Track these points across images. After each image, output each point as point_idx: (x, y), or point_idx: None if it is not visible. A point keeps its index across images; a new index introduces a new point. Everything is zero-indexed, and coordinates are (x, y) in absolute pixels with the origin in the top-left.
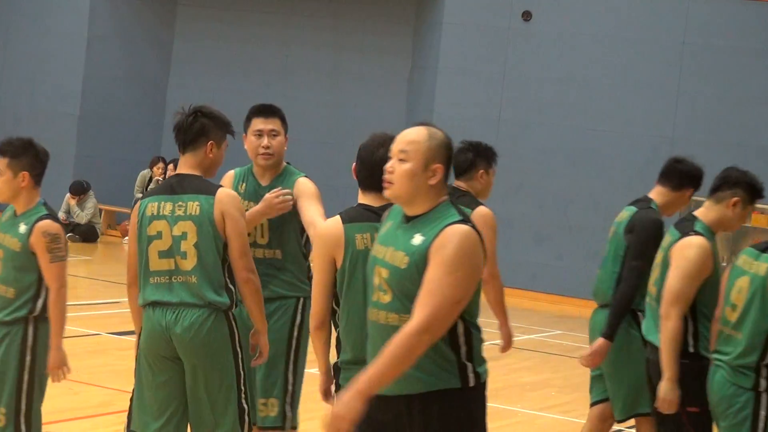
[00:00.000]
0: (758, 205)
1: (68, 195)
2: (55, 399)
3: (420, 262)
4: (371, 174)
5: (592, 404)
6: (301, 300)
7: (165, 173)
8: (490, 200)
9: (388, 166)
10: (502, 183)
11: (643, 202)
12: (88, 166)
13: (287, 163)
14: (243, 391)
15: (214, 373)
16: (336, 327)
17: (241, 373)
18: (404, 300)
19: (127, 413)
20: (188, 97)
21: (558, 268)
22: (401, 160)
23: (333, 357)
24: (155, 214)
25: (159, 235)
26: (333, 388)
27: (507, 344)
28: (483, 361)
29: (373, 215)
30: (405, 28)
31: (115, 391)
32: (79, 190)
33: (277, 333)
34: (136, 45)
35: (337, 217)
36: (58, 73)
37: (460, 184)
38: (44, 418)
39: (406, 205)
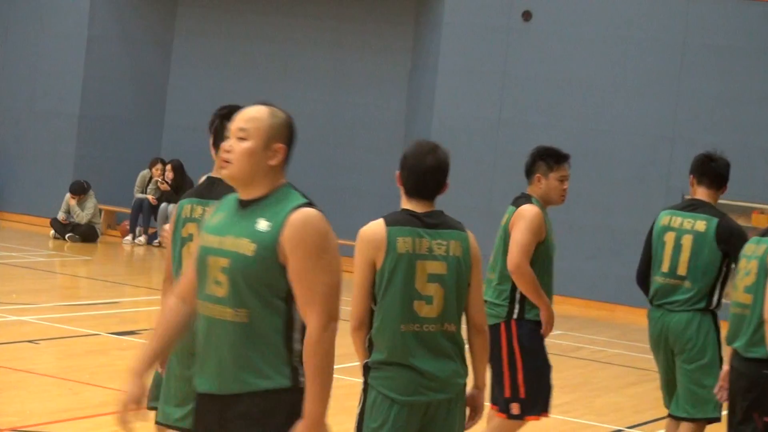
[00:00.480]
0: (758, 205)
1: (68, 195)
2: (55, 399)
3: (269, 248)
4: (420, 181)
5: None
6: None
7: (164, 174)
8: (490, 199)
9: (226, 144)
10: (502, 183)
11: (712, 208)
12: (88, 166)
13: None
14: None
15: None
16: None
17: None
18: (244, 290)
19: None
20: (188, 97)
21: (558, 268)
22: (240, 139)
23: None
24: (188, 216)
25: (190, 238)
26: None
27: (546, 329)
28: None
29: (417, 221)
30: (405, 28)
31: (115, 391)
32: (79, 190)
33: None
34: (137, 44)
35: (381, 220)
36: (58, 73)
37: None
38: (44, 418)
39: (244, 187)
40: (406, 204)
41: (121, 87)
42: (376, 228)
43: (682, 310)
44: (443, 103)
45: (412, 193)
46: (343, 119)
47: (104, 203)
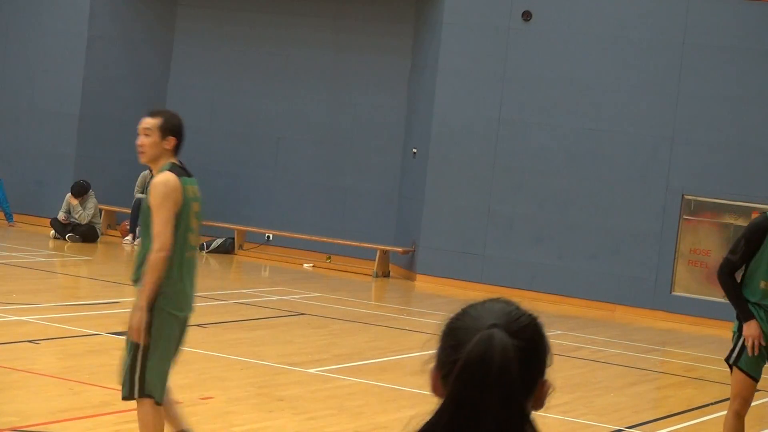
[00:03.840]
0: (758, 205)
1: (69, 195)
2: (55, 399)
3: None
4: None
5: None
6: None
7: None
8: (490, 199)
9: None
10: (502, 183)
11: None
12: (88, 166)
13: None
14: None
15: None
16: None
17: None
18: None
19: None
20: (188, 97)
21: (558, 268)
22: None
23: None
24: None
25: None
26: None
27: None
28: None
29: (186, 173)
30: (405, 28)
31: (115, 391)
32: (81, 191)
33: None
34: (136, 45)
35: (174, 174)
36: (58, 73)
37: None
38: (44, 418)
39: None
40: (172, 159)
41: (121, 87)
42: (176, 180)
43: None
44: (443, 103)
45: (178, 151)
46: (343, 119)
47: (104, 203)
